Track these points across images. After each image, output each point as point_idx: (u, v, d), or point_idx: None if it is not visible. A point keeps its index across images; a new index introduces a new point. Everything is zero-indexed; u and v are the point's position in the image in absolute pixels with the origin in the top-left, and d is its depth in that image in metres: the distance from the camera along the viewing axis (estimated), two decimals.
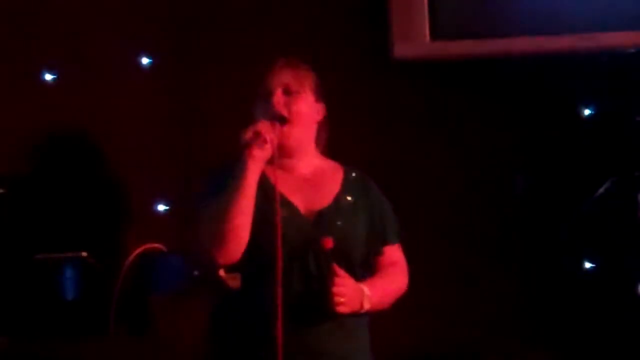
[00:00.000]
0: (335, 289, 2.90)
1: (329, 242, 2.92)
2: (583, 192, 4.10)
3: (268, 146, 2.91)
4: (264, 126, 2.92)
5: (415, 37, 4.17)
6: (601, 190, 4.05)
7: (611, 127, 4.20)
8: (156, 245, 3.72)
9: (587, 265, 4.16)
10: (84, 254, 3.84)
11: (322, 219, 3.01)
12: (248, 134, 2.90)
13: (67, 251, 3.86)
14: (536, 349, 4.14)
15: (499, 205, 4.22)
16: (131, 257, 3.60)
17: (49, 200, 4.09)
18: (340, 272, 2.92)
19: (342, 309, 2.91)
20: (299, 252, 2.95)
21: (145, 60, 4.20)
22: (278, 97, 3.02)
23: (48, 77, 4.18)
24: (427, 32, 4.17)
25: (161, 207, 4.15)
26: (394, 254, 3.14)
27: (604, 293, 4.10)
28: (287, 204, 2.99)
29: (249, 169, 2.89)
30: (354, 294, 2.94)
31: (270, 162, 2.93)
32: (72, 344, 3.90)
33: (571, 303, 4.14)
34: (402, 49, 4.17)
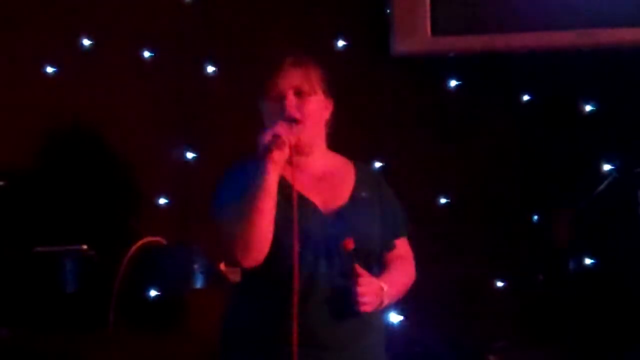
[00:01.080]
0: (359, 289, 2.91)
1: (350, 243, 2.91)
2: (583, 188, 4.11)
3: (287, 148, 2.90)
4: (282, 128, 2.91)
5: (416, 33, 4.17)
6: (602, 187, 4.05)
7: (611, 123, 4.20)
8: (156, 238, 3.73)
9: (588, 262, 4.16)
10: (84, 246, 3.84)
11: (342, 216, 3.01)
12: (267, 137, 2.89)
13: (67, 244, 3.86)
14: (536, 347, 4.14)
15: (499, 202, 4.23)
16: (131, 251, 3.61)
17: (50, 193, 4.10)
18: (362, 272, 2.93)
19: (366, 308, 2.93)
20: (322, 250, 2.95)
21: (147, 54, 4.21)
22: (290, 100, 3.00)
23: (49, 69, 4.18)
24: (429, 27, 4.17)
25: (162, 201, 4.16)
26: (403, 246, 3.15)
27: (604, 290, 4.10)
28: (307, 202, 2.98)
29: (269, 172, 2.87)
30: (376, 293, 2.95)
31: (288, 162, 2.92)
32: (72, 336, 3.90)
33: (571, 300, 4.15)
34: (403, 44, 4.17)
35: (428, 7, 4.17)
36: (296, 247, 2.85)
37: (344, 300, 2.91)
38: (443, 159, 4.25)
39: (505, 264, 4.20)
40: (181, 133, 4.19)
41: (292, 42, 4.08)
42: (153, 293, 3.82)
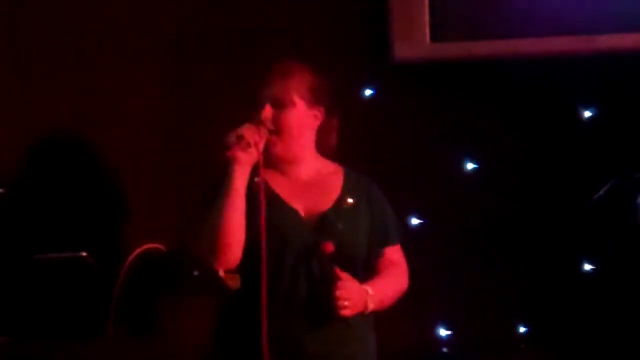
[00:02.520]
0: (338, 293, 2.90)
1: (329, 246, 2.92)
2: (583, 193, 4.10)
3: (253, 150, 2.91)
4: (247, 130, 2.92)
5: (415, 39, 4.17)
6: (601, 192, 4.05)
7: (611, 128, 4.20)
8: (156, 245, 3.72)
9: (587, 266, 4.16)
10: (84, 253, 3.83)
11: (324, 222, 3.01)
12: (231, 138, 2.91)
13: (67, 251, 3.86)
14: (535, 349, 4.14)
15: (499, 206, 4.22)
16: (130, 258, 3.60)
17: (49, 200, 4.09)
18: (343, 275, 2.92)
19: (346, 312, 2.92)
20: (303, 256, 2.95)
21: (147, 57, 4.20)
22: (266, 112, 3.01)
23: (49, 75, 4.18)
24: (428, 33, 4.17)
25: (162, 207, 4.15)
26: (394, 254, 3.15)
27: (603, 294, 4.10)
28: (287, 208, 2.99)
29: (234, 172, 2.90)
30: (357, 296, 2.94)
31: (258, 165, 2.93)
32: (71, 344, 3.89)
33: (571, 303, 4.14)
34: (402, 50, 4.17)
35: (427, 14, 4.17)
36: (264, 252, 2.86)
37: (324, 305, 2.91)
38: (443, 164, 4.24)
39: (505, 264, 4.19)
40: (181, 138, 4.18)
41: (289, 48, 4.08)
42: (153, 300, 3.81)
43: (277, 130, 3.00)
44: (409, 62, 4.19)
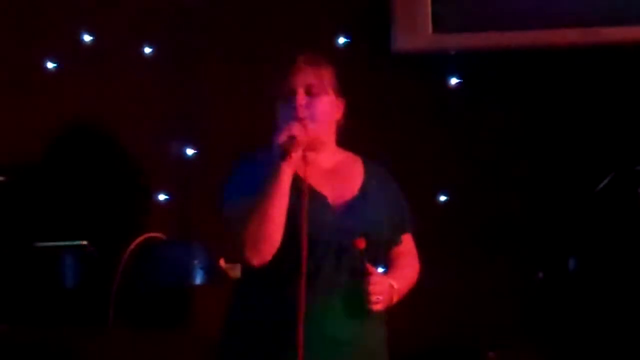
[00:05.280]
0: (371, 288, 2.91)
1: (361, 243, 2.92)
2: (584, 186, 4.10)
3: (300, 148, 2.91)
4: (297, 129, 2.92)
5: (417, 30, 4.17)
6: (602, 184, 4.05)
7: (612, 121, 4.20)
8: (157, 234, 3.73)
9: (587, 259, 4.16)
10: (85, 242, 3.84)
11: (352, 208, 3.01)
12: (283, 138, 2.89)
13: (68, 239, 3.86)
14: (534, 344, 4.14)
15: (500, 199, 4.23)
16: (131, 246, 3.61)
17: (50, 189, 4.10)
18: (374, 270, 2.93)
19: (378, 307, 2.93)
20: (331, 243, 2.94)
21: (147, 50, 4.21)
22: (301, 99, 3.01)
23: (50, 65, 4.18)
24: (430, 24, 4.17)
25: (162, 197, 4.16)
26: (409, 242, 3.16)
27: (603, 288, 4.10)
28: (316, 195, 2.99)
29: (284, 173, 2.88)
30: (388, 291, 2.96)
31: (301, 159, 2.93)
32: (72, 332, 3.90)
33: (570, 298, 4.15)
34: (404, 42, 4.17)
35: (429, 4, 4.17)
36: (305, 243, 2.85)
37: (355, 299, 2.92)
38: (444, 156, 4.24)
39: (506, 258, 4.20)
40: (181, 129, 4.18)
41: (293, 39, 4.08)
42: (153, 289, 3.82)
43: (311, 117, 3.00)
44: (411, 53, 4.19)
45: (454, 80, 4.26)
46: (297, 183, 2.91)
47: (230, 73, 4.19)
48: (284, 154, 2.85)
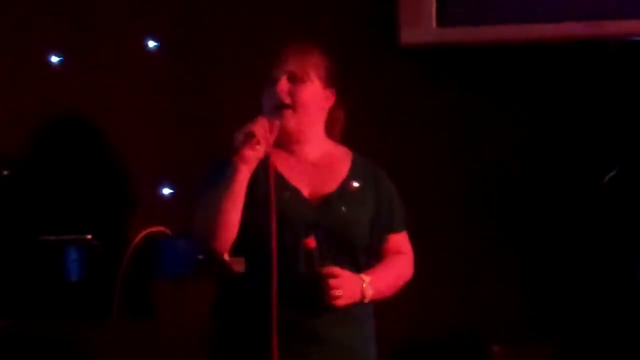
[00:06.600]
0: (331, 282, 2.91)
1: (311, 242, 2.93)
2: (589, 180, 4.10)
3: (261, 146, 2.91)
4: (258, 126, 2.92)
5: (422, 24, 4.16)
6: (605, 180, 4.04)
7: (616, 115, 4.19)
8: (161, 228, 3.73)
9: (593, 253, 4.16)
10: (89, 236, 3.84)
11: (326, 204, 3.01)
12: (240, 136, 2.92)
13: (72, 233, 3.87)
14: (540, 338, 4.14)
15: (503, 194, 4.22)
16: (136, 240, 3.61)
17: (54, 183, 4.10)
18: (333, 269, 2.92)
19: (339, 302, 2.92)
20: (303, 236, 2.95)
21: (151, 44, 4.20)
22: (282, 85, 3.02)
23: (54, 59, 4.18)
24: (434, 18, 4.16)
25: (166, 191, 4.16)
26: (399, 242, 3.14)
27: (608, 282, 4.09)
28: (289, 187, 2.99)
29: (239, 171, 2.91)
30: (350, 286, 2.94)
31: (265, 157, 2.95)
32: (76, 326, 3.91)
33: (576, 292, 4.14)
34: (409, 36, 4.16)
35: None
36: (274, 233, 2.88)
37: (317, 294, 2.92)
38: (448, 150, 4.24)
39: (509, 253, 4.19)
40: (185, 123, 4.18)
41: (297, 32, 4.07)
42: (157, 282, 3.83)
43: (292, 104, 3.01)
44: (416, 47, 4.18)
45: (459, 75, 4.25)
46: (268, 175, 2.94)
47: (236, 67, 4.18)
48: (235, 150, 2.88)
